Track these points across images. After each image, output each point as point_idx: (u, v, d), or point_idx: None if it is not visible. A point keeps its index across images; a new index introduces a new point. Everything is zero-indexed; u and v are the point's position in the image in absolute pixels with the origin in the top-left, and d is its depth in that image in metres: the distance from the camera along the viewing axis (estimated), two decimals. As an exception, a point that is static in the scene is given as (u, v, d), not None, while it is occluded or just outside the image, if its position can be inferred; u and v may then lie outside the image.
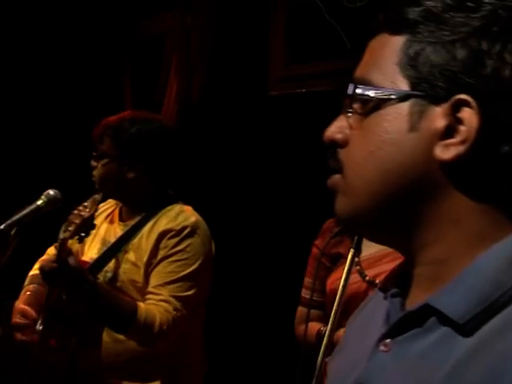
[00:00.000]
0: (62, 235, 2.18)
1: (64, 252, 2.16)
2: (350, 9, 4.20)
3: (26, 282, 2.60)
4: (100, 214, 2.60)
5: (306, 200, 4.28)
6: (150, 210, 2.40)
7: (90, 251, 2.47)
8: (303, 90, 4.45)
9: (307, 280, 2.32)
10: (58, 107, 5.71)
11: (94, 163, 2.50)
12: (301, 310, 2.40)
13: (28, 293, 2.53)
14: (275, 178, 4.47)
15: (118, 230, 2.47)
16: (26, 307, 2.43)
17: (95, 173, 2.49)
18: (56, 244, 2.22)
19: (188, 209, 2.45)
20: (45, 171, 5.50)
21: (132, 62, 5.66)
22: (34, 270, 2.59)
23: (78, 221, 2.17)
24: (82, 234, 2.18)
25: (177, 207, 2.44)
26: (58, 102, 5.72)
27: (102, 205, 2.61)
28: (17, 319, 2.42)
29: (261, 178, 4.51)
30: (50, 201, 2.28)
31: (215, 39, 4.96)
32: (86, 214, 2.17)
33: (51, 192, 2.28)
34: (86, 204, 2.22)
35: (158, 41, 5.44)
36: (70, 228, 2.17)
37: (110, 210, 2.62)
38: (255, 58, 4.70)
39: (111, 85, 5.69)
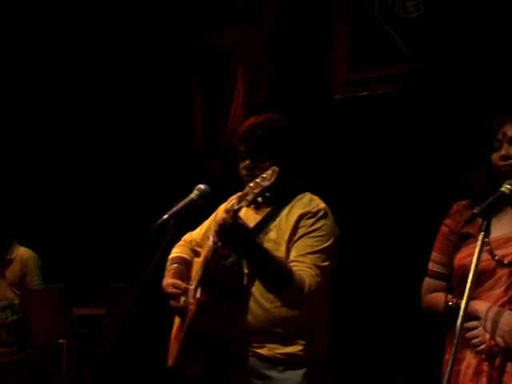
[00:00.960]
0: (237, 205, 2.36)
1: (237, 218, 2.40)
2: (406, 19, 4.70)
3: (168, 263, 2.93)
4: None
5: (366, 199, 4.79)
6: (283, 199, 2.68)
7: None
8: (364, 94, 4.93)
9: (435, 254, 2.53)
10: (136, 117, 6.29)
11: (251, 165, 2.67)
12: (428, 281, 2.56)
13: (171, 271, 2.87)
14: (339, 179, 4.84)
15: (255, 216, 2.73)
16: (177, 280, 2.80)
17: (256, 172, 2.62)
18: (228, 208, 2.47)
19: (316, 197, 2.76)
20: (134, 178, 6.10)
21: (202, 72, 6.22)
22: (174, 253, 3.00)
23: (256, 190, 2.33)
24: (259, 199, 2.33)
25: (307, 195, 2.74)
26: (134, 112, 6.28)
27: (238, 194, 3.00)
28: (170, 290, 2.78)
29: (325, 180, 4.89)
30: (202, 194, 2.57)
31: (280, 48, 5.46)
32: (265, 183, 2.32)
33: (202, 186, 2.60)
34: (264, 175, 2.35)
35: (225, 53, 5.99)
36: (247, 197, 2.34)
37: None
38: (319, 64, 5.17)
39: (183, 94, 6.23)
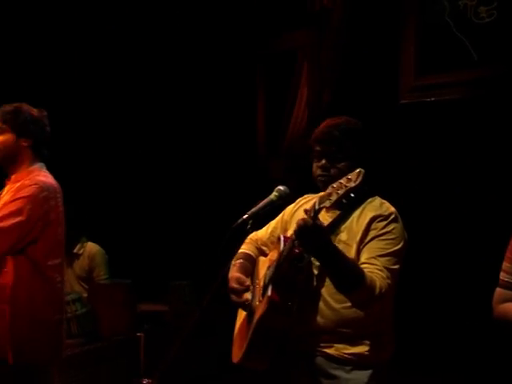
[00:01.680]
0: (318, 206, 2.37)
1: (317, 219, 2.42)
2: (477, 24, 4.68)
3: (234, 258, 2.95)
4: (304, 203, 2.93)
5: (433, 205, 4.78)
6: (354, 201, 2.63)
7: None
8: (432, 99, 4.93)
9: (506, 265, 2.50)
10: (200, 119, 6.42)
11: (327, 164, 2.69)
12: (499, 291, 2.53)
13: (237, 266, 2.93)
14: (404, 184, 4.85)
15: (326, 217, 2.74)
16: (241, 275, 2.85)
17: (332, 172, 2.69)
18: (307, 209, 2.48)
19: (385, 201, 2.78)
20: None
21: (265, 74, 6.31)
22: (240, 250, 3.06)
23: (341, 191, 2.33)
24: (344, 201, 2.33)
25: (377, 199, 2.77)
26: (198, 113, 6.42)
27: (306, 196, 2.96)
28: (234, 285, 2.83)
29: (390, 185, 4.90)
30: (281, 195, 2.58)
31: (346, 50, 5.50)
32: (350, 184, 2.32)
33: (281, 188, 2.59)
34: (349, 177, 2.34)
35: (290, 55, 6.06)
36: (331, 198, 2.35)
37: (314, 200, 3.00)
38: (386, 68, 5.19)
39: (246, 96, 6.34)
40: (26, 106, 3.18)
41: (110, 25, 6.26)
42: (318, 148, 2.78)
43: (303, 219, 2.45)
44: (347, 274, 2.52)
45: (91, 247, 5.29)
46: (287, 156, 6.12)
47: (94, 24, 6.24)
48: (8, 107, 3.17)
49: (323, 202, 2.38)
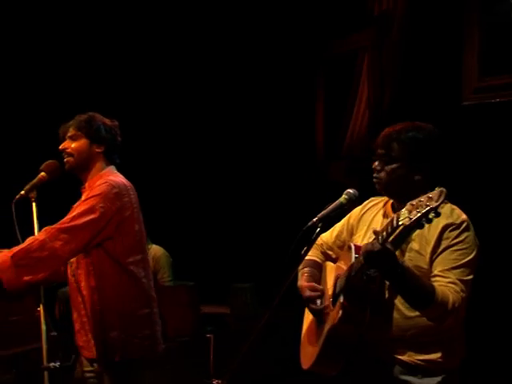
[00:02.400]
0: (396, 223, 2.36)
1: (386, 243, 2.41)
2: (544, 24, 4.62)
3: (301, 266, 2.96)
4: (371, 207, 2.91)
5: (499, 207, 4.74)
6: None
7: (365, 241, 2.70)
8: (496, 100, 4.87)
9: None
10: (259, 122, 6.49)
11: (378, 166, 2.71)
12: None
13: (306, 274, 2.94)
14: (468, 187, 4.76)
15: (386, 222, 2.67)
16: (314, 284, 2.86)
17: (381, 175, 2.70)
18: (377, 230, 2.48)
19: (456, 207, 2.71)
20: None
21: (324, 77, 6.34)
22: (309, 256, 3.10)
23: (421, 210, 2.28)
24: (423, 220, 2.28)
25: (447, 205, 2.67)
26: (258, 117, 6.49)
27: (372, 199, 2.92)
28: (309, 293, 2.81)
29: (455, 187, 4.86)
30: (351, 198, 2.57)
31: (407, 51, 5.48)
32: (432, 203, 2.27)
33: (351, 191, 2.58)
34: (430, 195, 2.29)
35: (349, 57, 6.08)
36: (410, 216, 2.31)
37: (381, 204, 2.87)
38: (449, 69, 5.15)
39: (305, 99, 6.38)
40: (98, 115, 3.28)
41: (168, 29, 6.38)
42: (379, 151, 2.79)
43: (371, 244, 2.45)
44: (417, 294, 2.52)
45: (156, 250, 5.38)
46: (347, 158, 6.13)
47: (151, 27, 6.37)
48: (82, 116, 3.26)
49: (401, 220, 2.34)
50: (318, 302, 2.87)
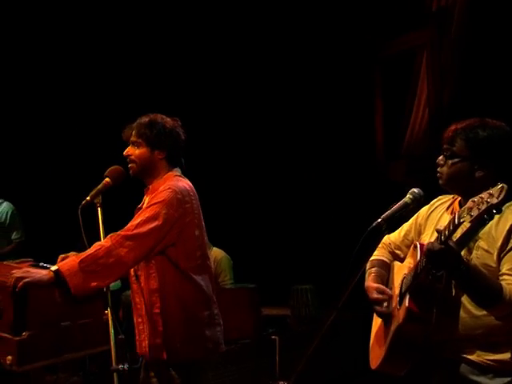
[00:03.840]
0: (457, 220, 2.35)
1: (448, 242, 2.42)
2: None
3: (368, 266, 2.95)
4: (439, 205, 2.86)
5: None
6: None
7: (431, 239, 2.68)
8: None
9: None
10: (317, 122, 6.50)
11: (441, 161, 2.70)
12: None
13: (373, 274, 2.91)
14: None
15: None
16: (380, 285, 2.83)
17: (443, 170, 2.69)
18: (440, 229, 2.46)
19: None
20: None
21: (382, 76, 6.31)
22: (374, 256, 3.08)
23: (482, 207, 2.27)
24: (486, 217, 2.28)
25: None
26: (316, 117, 6.50)
27: (440, 197, 2.88)
28: (375, 295, 2.79)
29: None
30: (416, 198, 2.55)
31: (468, 48, 5.40)
32: (493, 200, 2.26)
33: (416, 190, 2.57)
34: (491, 192, 2.27)
35: (407, 56, 6.02)
36: (471, 213, 2.29)
37: (449, 202, 2.84)
38: (511, 64, 5.05)
39: (363, 98, 6.37)
40: (159, 118, 3.28)
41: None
42: (444, 146, 2.76)
43: (432, 243, 2.44)
44: (484, 292, 2.48)
45: (217, 253, 5.42)
46: (407, 157, 6.07)
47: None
48: (143, 119, 3.27)
49: (463, 217, 2.34)
50: (385, 304, 2.85)
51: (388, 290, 2.85)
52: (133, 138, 3.26)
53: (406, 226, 3.02)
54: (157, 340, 3.12)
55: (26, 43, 6.10)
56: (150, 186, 3.26)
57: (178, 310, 3.11)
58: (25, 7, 5.97)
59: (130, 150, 3.27)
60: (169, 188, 3.14)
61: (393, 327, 2.71)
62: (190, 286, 3.13)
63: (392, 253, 3.06)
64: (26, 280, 2.78)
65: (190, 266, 3.14)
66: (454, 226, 2.39)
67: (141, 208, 3.26)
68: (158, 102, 3.46)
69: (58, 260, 3.03)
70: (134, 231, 3.02)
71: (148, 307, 3.14)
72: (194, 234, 3.18)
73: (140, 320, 3.20)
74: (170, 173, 3.27)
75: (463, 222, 2.35)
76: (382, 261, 3.02)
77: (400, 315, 2.65)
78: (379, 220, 2.55)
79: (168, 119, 3.30)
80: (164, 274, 3.12)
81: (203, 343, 3.16)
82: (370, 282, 2.91)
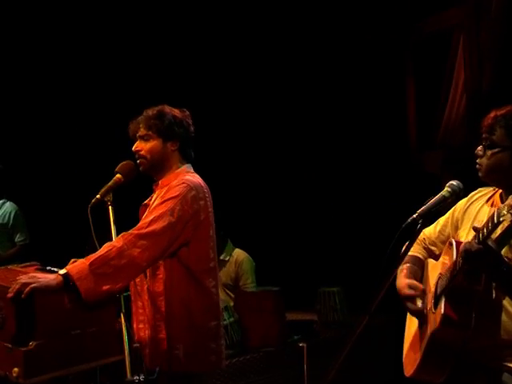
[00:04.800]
0: (496, 219, 2.35)
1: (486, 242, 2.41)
2: None
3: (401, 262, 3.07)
4: (478, 198, 2.86)
5: None
6: None
7: (469, 237, 2.68)
8: None
9: None
10: (347, 112, 6.50)
11: (480, 152, 2.70)
12: None
13: (405, 270, 2.91)
14: None
15: (491, 211, 2.66)
16: (412, 280, 2.83)
17: (482, 161, 2.69)
18: (477, 227, 2.48)
19: None
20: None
21: (414, 61, 6.29)
22: (410, 252, 3.03)
23: None
24: None
25: None
26: (346, 107, 6.51)
27: (480, 189, 2.88)
28: (407, 291, 2.78)
29: None
30: (454, 191, 2.52)
31: (508, 29, 5.34)
32: None
33: (454, 183, 2.54)
34: None
35: (441, 38, 5.96)
36: None
37: (489, 194, 2.84)
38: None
39: (395, 85, 6.34)
40: (167, 108, 3.29)
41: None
42: (484, 136, 2.73)
43: (469, 243, 2.43)
44: None
45: (238, 254, 5.43)
46: (443, 148, 6.03)
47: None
48: (150, 112, 3.27)
49: (503, 216, 2.32)
50: (419, 302, 2.83)
51: (421, 285, 2.83)
52: (141, 132, 3.26)
53: (441, 221, 3.00)
54: (158, 348, 3.11)
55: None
56: (160, 181, 3.26)
57: (183, 316, 3.11)
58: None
59: (139, 145, 3.26)
60: (183, 183, 3.14)
61: (428, 331, 2.69)
62: (198, 291, 3.13)
63: (426, 249, 3.04)
64: (33, 285, 2.77)
65: (202, 268, 3.14)
66: (493, 224, 2.37)
67: (147, 205, 3.27)
68: (162, 98, 3.43)
69: (69, 264, 3.02)
70: (148, 229, 3.01)
71: (151, 312, 3.13)
72: (209, 234, 3.19)
73: (141, 326, 3.19)
74: (182, 167, 3.27)
75: (503, 221, 2.33)
76: (416, 257, 3.00)
77: (436, 319, 2.63)
78: (414, 216, 2.52)
79: (176, 110, 3.32)
80: (172, 276, 3.11)
81: (207, 356, 3.16)
82: (402, 277, 2.90)
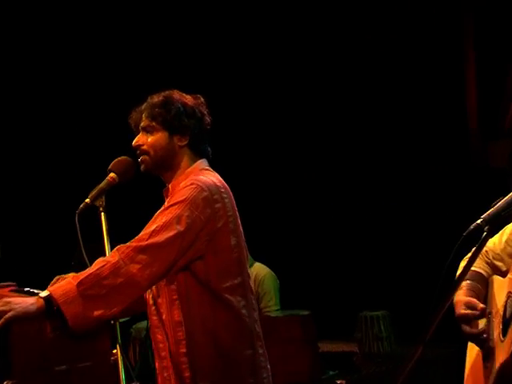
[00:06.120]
0: None
1: None
2: None
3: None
4: None
5: None
6: None
7: None
8: None
9: None
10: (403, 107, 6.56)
11: None
12: None
13: (465, 288, 2.92)
14: None
15: None
16: (472, 299, 2.85)
17: None
18: None
19: None
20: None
21: (476, 32, 6.30)
22: (473, 267, 3.05)
23: None
24: None
25: None
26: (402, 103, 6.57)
27: None
28: (463, 311, 2.83)
29: None
30: None
31: None
32: None
33: None
34: None
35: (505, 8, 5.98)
36: None
37: None
38: None
39: (453, 71, 6.38)
40: (176, 94, 3.27)
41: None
42: None
43: None
44: None
45: (259, 270, 5.45)
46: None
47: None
48: (156, 98, 3.25)
49: None
50: (481, 325, 2.84)
51: (482, 304, 2.83)
52: (144, 123, 3.23)
53: (508, 229, 3.01)
54: None
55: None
56: (170, 186, 3.24)
57: (208, 346, 3.09)
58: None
59: (140, 139, 3.24)
60: (191, 184, 3.10)
61: (496, 364, 2.70)
62: (224, 314, 3.10)
63: (490, 264, 3.05)
64: (8, 316, 2.77)
65: (225, 285, 3.11)
66: None
67: None
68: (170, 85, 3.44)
69: (52, 283, 3.02)
70: (149, 241, 2.98)
71: (173, 346, 3.10)
72: (230, 244, 3.15)
73: (165, 364, 3.16)
74: (194, 165, 3.25)
75: None
76: (478, 273, 3.02)
77: (506, 348, 2.65)
78: (479, 221, 2.51)
79: (188, 96, 3.28)
80: (188, 299, 3.09)
81: None
82: (460, 295, 2.91)
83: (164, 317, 3.13)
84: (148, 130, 3.23)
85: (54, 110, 6.53)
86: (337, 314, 5.78)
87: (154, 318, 3.18)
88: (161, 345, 3.16)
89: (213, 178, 3.19)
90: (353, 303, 5.81)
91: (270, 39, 6.69)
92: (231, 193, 3.22)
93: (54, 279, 3.07)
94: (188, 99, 3.28)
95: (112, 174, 3.20)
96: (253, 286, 5.34)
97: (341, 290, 6.25)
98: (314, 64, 6.75)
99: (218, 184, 3.16)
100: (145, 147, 3.22)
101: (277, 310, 5.34)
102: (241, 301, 3.16)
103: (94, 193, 3.13)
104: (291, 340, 4.82)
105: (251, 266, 5.43)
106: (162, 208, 3.16)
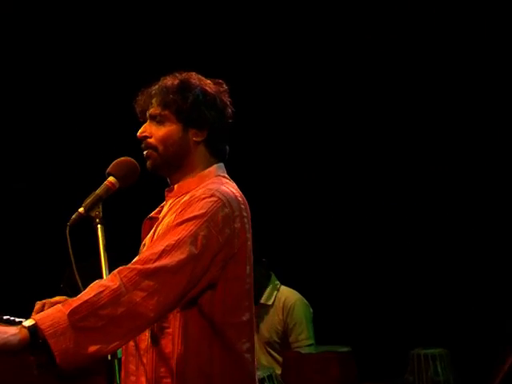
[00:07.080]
0: None
1: None
2: None
3: None
4: None
5: None
6: None
7: None
8: None
9: None
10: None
11: None
12: None
13: None
14: None
15: None
16: None
17: None
18: None
19: None
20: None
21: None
22: None
23: None
24: None
25: None
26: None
27: None
28: None
29: None
30: None
31: None
32: None
33: None
34: None
35: None
36: None
37: None
38: None
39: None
40: (195, 78, 3.19)
41: None
42: None
43: None
44: None
45: (288, 295, 5.42)
46: None
47: None
48: (170, 81, 3.18)
49: None
50: None
51: None
52: (154, 110, 3.16)
53: None
54: None
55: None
56: (176, 186, 3.18)
57: None
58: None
59: (148, 129, 3.16)
60: (212, 195, 2.98)
61: None
62: (225, 357, 3.02)
63: None
64: None
65: (231, 321, 3.04)
66: None
67: (154, 218, 3.22)
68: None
69: (36, 309, 2.98)
70: (158, 263, 2.86)
71: (148, 377, 3.01)
72: (244, 272, 3.08)
73: None
74: (210, 169, 3.17)
75: None
76: None
77: None
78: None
79: (208, 81, 3.20)
80: (186, 333, 3.01)
81: None
82: None
83: (145, 345, 3.05)
84: (158, 120, 3.15)
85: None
86: (383, 351, 5.76)
87: (131, 343, 3.09)
88: (132, 377, 3.09)
89: (232, 189, 3.09)
90: (403, 338, 5.82)
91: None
92: (249, 210, 3.13)
93: (38, 304, 3.01)
94: (208, 85, 3.19)
95: (111, 179, 3.08)
96: (281, 315, 5.36)
97: (388, 322, 6.24)
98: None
99: (240, 199, 3.07)
100: (152, 141, 3.14)
101: (309, 344, 5.34)
102: (245, 343, 3.07)
103: (88, 201, 3.02)
104: (327, 382, 4.83)
105: (278, 291, 5.40)
106: (169, 217, 3.10)
